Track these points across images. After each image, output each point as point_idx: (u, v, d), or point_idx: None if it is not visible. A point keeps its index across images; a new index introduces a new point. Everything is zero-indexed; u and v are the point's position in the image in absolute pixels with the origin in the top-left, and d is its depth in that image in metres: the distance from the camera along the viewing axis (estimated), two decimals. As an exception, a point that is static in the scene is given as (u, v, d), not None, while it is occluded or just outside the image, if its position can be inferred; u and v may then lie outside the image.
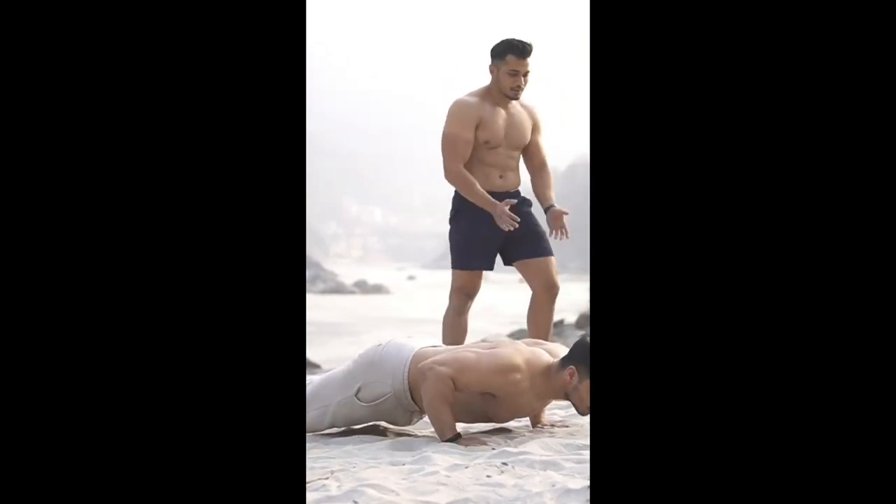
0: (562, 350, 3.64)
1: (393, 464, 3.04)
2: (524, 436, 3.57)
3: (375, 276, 56.97)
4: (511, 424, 3.97)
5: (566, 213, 4.75)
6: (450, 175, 4.65)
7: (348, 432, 3.87)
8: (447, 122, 4.69)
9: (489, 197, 4.58)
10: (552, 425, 3.82)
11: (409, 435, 3.78)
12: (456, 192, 4.73)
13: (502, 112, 4.68)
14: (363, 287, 46.23)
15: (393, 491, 2.50)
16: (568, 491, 2.30)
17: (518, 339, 4.65)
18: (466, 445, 3.30)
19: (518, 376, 3.44)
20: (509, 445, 3.30)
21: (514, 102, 4.70)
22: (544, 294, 4.67)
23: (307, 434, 3.68)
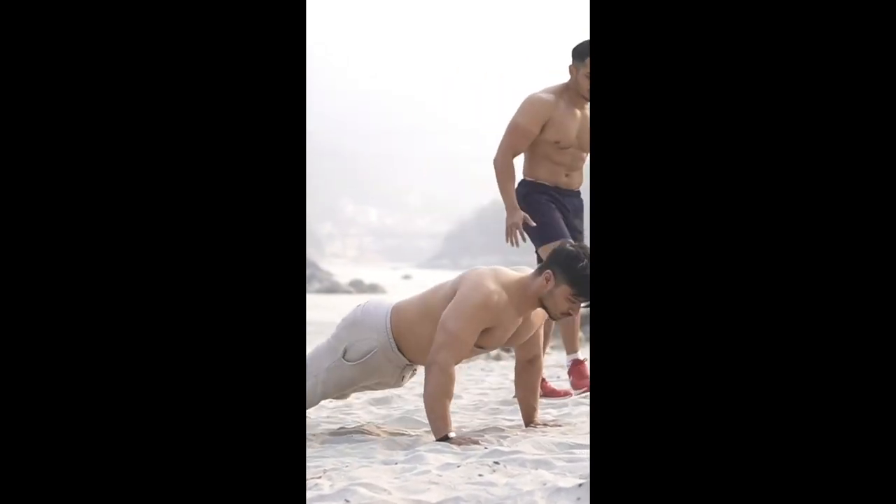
0: (526, 269, 3.72)
1: (385, 463, 3.05)
2: (517, 435, 3.58)
3: (371, 275, 56.98)
4: (504, 423, 3.99)
5: None
6: (497, 162, 4.66)
7: (340, 431, 3.89)
8: (518, 111, 4.66)
9: (515, 202, 4.59)
10: (545, 424, 3.83)
11: (401, 434, 3.79)
12: (522, 179, 4.74)
13: (577, 113, 4.64)
14: (359, 287, 46.20)
15: (385, 490, 2.50)
16: (558, 490, 2.31)
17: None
18: (459, 445, 3.31)
19: (496, 297, 3.49)
20: (502, 445, 3.31)
21: (589, 104, 4.63)
22: None
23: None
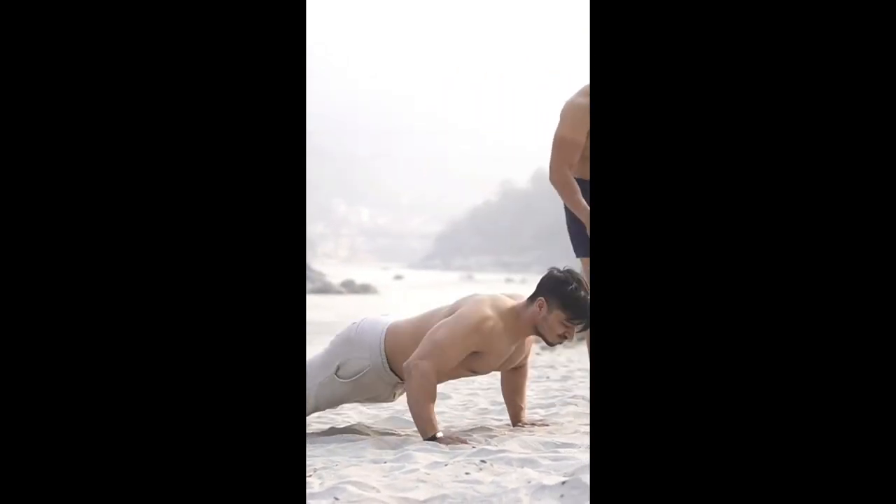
0: (521, 297, 3.77)
1: (374, 462, 3.10)
2: (504, 434, 3.64)
3: (363, 275, 56.96)
4: (492, 423, 4.04)
5: None
6: (553, 177, 4.63)
7: (330, 432, 3.94)
8: (560, 124, 4.62)
9: (587, 209, 4.51)
10: (532, 424, 3.89)
11: (390, 434, 3.85)
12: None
13: None
14: (350, 287, 46.12)
15: (373, 488, 2.56)
16: (542, 487, 2.37)
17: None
18: (447, 444, 3.36)
19: (491, 322, 3.57)
20: (489, 444, 3.36)
21: None
22: None
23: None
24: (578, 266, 4.28)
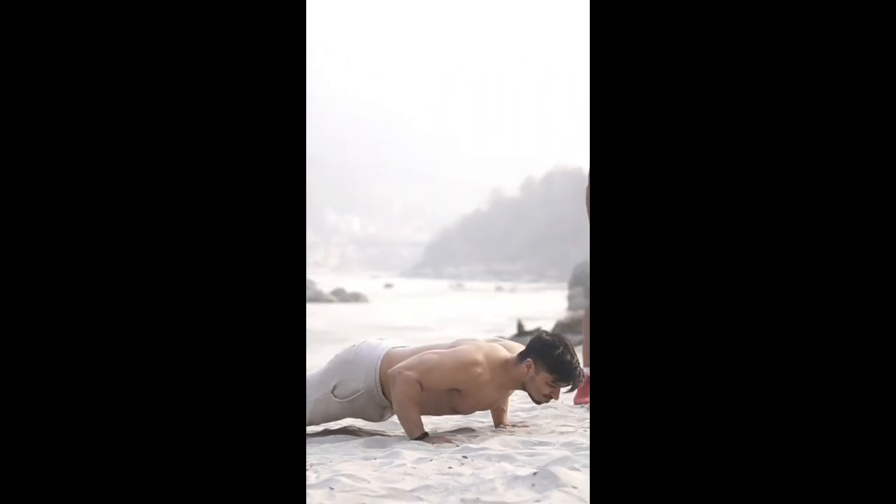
0: (518, 347, 4.00)
1: (365, 458, 3.38)
2: (486, 435, 3.92)
3: (353, 284, 57.18)
4: (475, 424, 4.32)
5: None
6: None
7: (325, 433, 4.22)
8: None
9: None
10: (513, 425, 4.17)
11: (381, 434, 4.12)
12: None
13: None
14: (341, 295, 46.30)
15: (365, 480, 2.83)
16: (516, 478, 2.65)
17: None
18: (434, 443, 3.64)
19: (479, 370, 3.81)
20: (472, 442, 3.64)
21: None
22: None
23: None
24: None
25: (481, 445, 3.50)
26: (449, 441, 3.71)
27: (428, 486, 2.69)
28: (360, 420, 4.69)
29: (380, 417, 4.16)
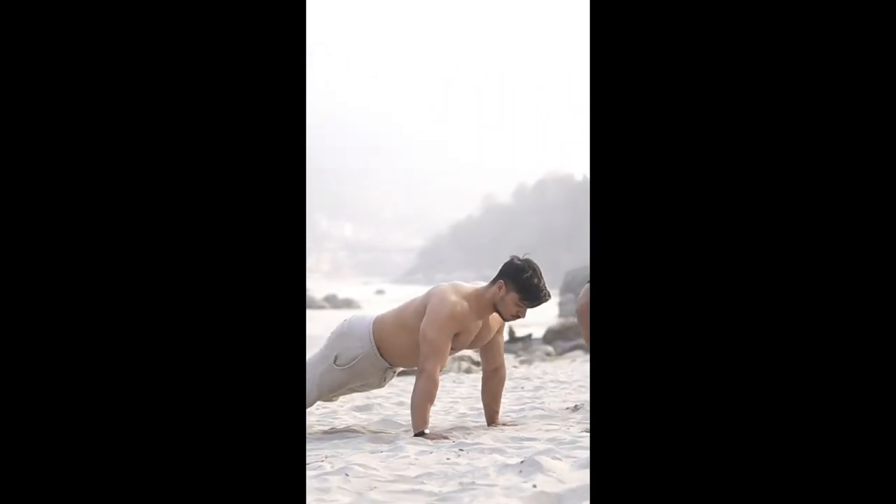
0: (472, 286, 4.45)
1: (373, 451, 3.80)
2: (479, 432, 4.35)
3: (345, 290, 57.48)
4: (470, 424, 4.75)
5: None
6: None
7: (332, 431, 4.64)
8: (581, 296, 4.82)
9: None
10: (504, 424, 4.60)
11: (384, 433, 4.55)
12: None
13: None
14: (333, 301, 46.62)
15: (374, 468, 3.25)
16: (506, 465, 3.07)
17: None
18: (432, 440, 4.06)
19: (459, 307, 4.26)
20: (467, 439, 4.07)
21: None
22: None
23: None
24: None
25: (475, 441, 3.92)
26: (446, 438, 4.12)
27: (430, 474, 3.10)
28: (363, 420, 5.11)
29: (380, 382, 4.59)
